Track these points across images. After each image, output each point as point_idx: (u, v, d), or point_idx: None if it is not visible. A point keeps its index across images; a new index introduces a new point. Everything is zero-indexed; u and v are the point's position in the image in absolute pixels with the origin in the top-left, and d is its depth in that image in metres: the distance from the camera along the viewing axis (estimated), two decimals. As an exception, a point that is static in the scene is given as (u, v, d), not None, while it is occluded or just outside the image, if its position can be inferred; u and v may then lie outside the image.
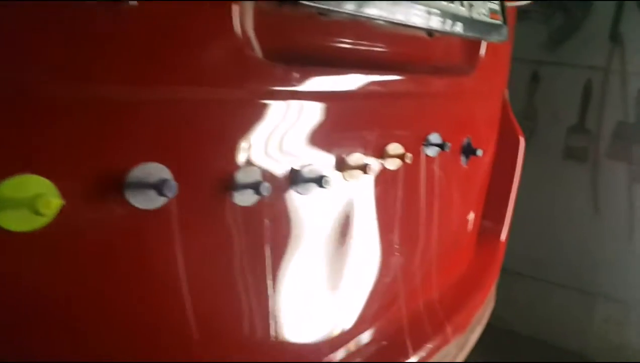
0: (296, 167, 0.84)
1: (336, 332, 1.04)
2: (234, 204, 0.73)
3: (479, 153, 1.35)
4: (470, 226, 1.60)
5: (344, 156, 0.95)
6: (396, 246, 1.18)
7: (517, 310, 2.98)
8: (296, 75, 0.75)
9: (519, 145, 1.81)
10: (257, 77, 0.71)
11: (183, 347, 0.71)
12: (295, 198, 0.86)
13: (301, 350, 0.95)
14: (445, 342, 1.27)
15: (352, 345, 1.07)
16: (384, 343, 1.13)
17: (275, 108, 0.77)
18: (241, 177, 0.73)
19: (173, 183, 0.60)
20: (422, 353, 1.16)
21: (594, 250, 2.85)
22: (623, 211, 2.75)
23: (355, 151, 0.98)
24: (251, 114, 0.74)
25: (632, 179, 2.72)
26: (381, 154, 1.05)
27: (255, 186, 0.73)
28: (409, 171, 1.17)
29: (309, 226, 0.91)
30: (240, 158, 0.74)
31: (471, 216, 1.58)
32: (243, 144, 0.74)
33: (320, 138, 0.90)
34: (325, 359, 1.00)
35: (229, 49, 0.67)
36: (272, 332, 0.88)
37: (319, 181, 0.86)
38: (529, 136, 2.99)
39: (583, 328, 2.86)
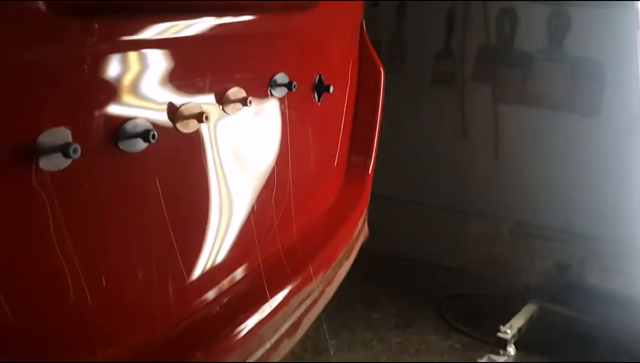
0: (118, 122, 0.80)
1: (187, 283, 1.02)
2: (41, 170, 0.68)
3: (331, 89, 1.34)
4: (333, 162, 1.60)
5: (176, 105, 0.91)
6: (250, 191, 1.16)
7: (398, 235, 3.07)
8: (96, 27, 0.69)
9: (380, 77, 1.81)
10: (48, 34, 0.66)
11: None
12: (121, 156, 0.81)
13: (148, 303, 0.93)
14: (308, 281, 1.28)
15: (209, 295, 1.06)
16: (242, 289, 1.12)
17: (77, 64, 0.72)
18: (45, 140, 0.68)
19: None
20: (282, 295, 1.16)
21: (464, 170, 2.96)
22: (489, 132, 2.85)
23: (190, 99, 0.94)
24: (47, 74, 0.68)
25: (496, 100, 2.82)
26: (221, 100, 1.02)
27: (63, 149, 0.68)
28: (257, 114, 1.15)
29: (143, 183, 0.87)
30: (45, 120, 0.69)
31: (333, 152, 1.58)
32: (46, 106, 0.69)
33: (144, 89, 0.85)
34: (174, 311, 0.98)
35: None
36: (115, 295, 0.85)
37: (145, 135, 0.82)
38: (400, 64, 3.03)
39: (458, 245, 3.00)
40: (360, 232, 1.73)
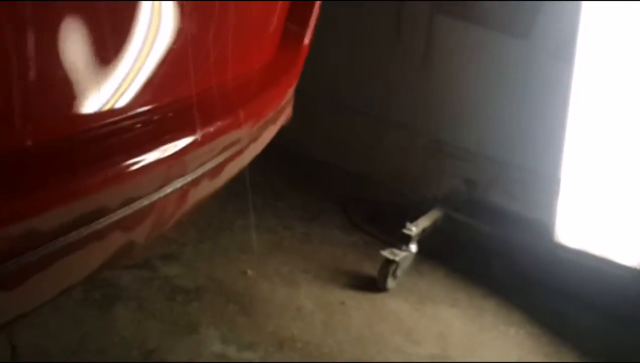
0: None
1: (119, 98, 0.95)
2: None
3: None
4: (272, 21, 1.54)
5: None
6: (187, 17, 1.09)
7: (314, 135, 3.05)
8: None
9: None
10: None
11: None
12: None
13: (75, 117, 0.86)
14: (237, 125, 1.24)
15: (137, 110, 0.99)
16: (170, 114, 1.06)
17: None
18: None
19: None
20: (209, 129, 1.12)
21: (390, 78, 2.94)
22: (421, 41, 2.84)
23: None
24: None
25: (433, 10, 2.79)
26: None
27: None
28: None
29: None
30: None
31: (276, 8, 1.52)
32: None
33: None
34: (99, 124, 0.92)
35: None
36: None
37: None
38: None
39: (372, 153, 3.01)
40: (287, 103, 1.70)
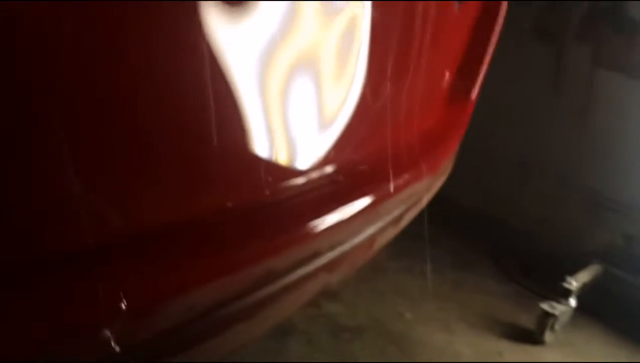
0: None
1: (321, 152, 1.06)
2: None
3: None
4: (446, 75, 1.63)
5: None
6: (387, 77, 1.19)
7: (466, 183, 3.08)
8: None
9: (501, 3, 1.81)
10: None
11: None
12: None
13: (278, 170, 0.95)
14: (419, 177, 1.32)
15: (331, 167, 1.10)
16: (367, 168, 1.16)
17: None
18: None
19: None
20: (399, 181, 1.21)
21: (548, 129, 2.93)
22: (582, 95, 2.82)
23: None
24: None
25: (594, 63, 2.77)
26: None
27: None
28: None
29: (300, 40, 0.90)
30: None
31: (450, 64, 1.60)
32: None
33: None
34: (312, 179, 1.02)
35: None
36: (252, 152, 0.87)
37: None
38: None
39: (527, 204, 2.99)
40: (454, 154, 1.77)
